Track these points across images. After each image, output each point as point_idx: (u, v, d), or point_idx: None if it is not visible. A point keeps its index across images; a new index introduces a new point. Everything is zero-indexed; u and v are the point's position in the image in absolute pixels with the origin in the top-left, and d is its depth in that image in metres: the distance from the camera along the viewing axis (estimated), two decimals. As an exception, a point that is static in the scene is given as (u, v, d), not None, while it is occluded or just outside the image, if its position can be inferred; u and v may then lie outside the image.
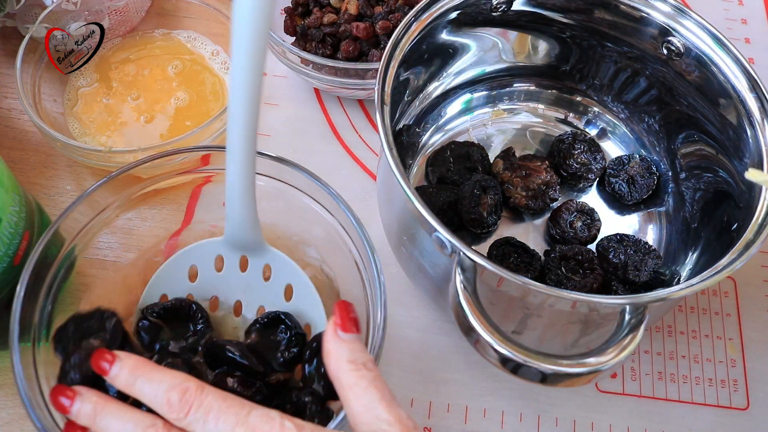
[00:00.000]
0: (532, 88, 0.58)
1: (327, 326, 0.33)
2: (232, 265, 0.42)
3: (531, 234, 0.53)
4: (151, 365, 0.33)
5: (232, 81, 0.32)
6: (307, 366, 0.39)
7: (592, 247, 0.51)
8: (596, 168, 0.53)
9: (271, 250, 0.42)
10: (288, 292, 0.42)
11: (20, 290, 0.38)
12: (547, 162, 0.53)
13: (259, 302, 0.43)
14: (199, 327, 0.41)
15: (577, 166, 0.53)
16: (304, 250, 0.45)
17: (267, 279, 0.42)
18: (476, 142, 0.55)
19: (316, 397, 0.37)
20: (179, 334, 0.41)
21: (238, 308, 0.43)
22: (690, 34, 0.47)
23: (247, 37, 0.30)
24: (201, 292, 0.43)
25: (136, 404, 0.33)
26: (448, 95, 0.56)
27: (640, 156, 0.53)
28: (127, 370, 0.33)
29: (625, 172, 0.53)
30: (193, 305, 0.41)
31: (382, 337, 0.38)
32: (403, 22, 0.45)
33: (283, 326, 0.41)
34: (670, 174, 0.53)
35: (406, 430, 0.29)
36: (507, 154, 0.54)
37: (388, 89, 0.43)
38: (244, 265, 0.42)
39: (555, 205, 0.53)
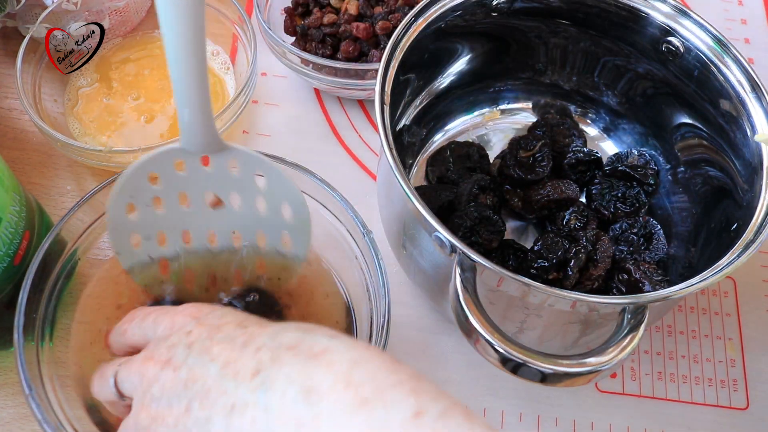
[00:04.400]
0: (532, 87, 0.58)
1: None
2: (194, 165, 0.39)
3: (531, 233, 0.53)
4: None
5: None
6: None
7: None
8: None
9: (231, 146, 0.38)
10: (259, 182, 0.40)
11: (24, 290, 0.38)
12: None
13: (232, 190, 0.40)
14: None
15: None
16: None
17: (233, 170, 0.39)
18: (476, 142, 0.56)
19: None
20: None
21: (215, 203, 0.41)
22: (690, 34, 0.47)
23: None
24: (168, 191, 0.40)
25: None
26: (448, 95, 0.56)
27: (638, 151, 0.54)
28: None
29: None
30: None
31: (386, 339, 0.38)
32: (403, 23, 0.45)
33: None
34: (669, 172, 0.53)
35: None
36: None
37: (388, 89, 0.43)
38: (206, 163, 0.39)
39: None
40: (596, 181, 0.52)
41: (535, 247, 0.47)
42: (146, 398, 0.32)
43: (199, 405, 0.29)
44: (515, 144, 0.53)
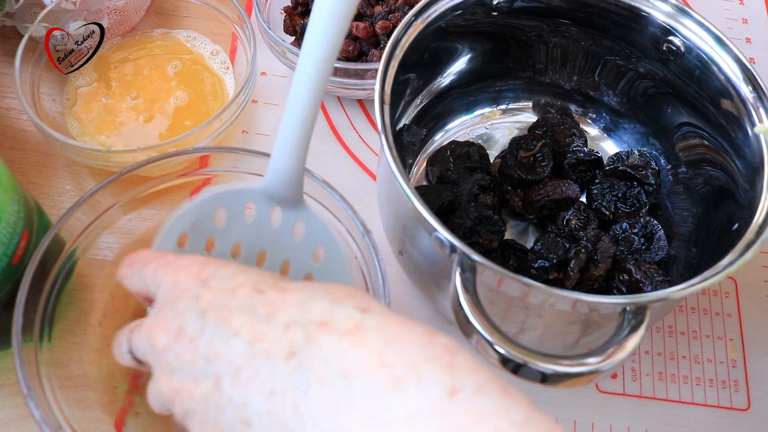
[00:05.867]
0: (533, 87, 0.58)
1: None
2: (263, 216, 0.39)
3: (531, 233, 0.53)
4: None
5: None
6: None
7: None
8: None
9: (307, 209, 0.39)
10: (317, 254, 0.40)
11: (23, 290, 0.38)
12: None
13: (284, 257, 0.41)
14: None
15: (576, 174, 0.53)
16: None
17: (298, 236, 0.40)
18: (476, 142, 0.55)
19: None
20: None
21: (261, 259, 0.41)
22: (691, 33, 0.47)
23: None
24: (225, 237, 0.40)
25: None
26: (448, 95, 0.56)
27: (639, 151, 0.53)
28: None
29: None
30: None
31: None
32: (403, 22, 0.45)
33: None
34: (670, 172, 0.53)
35: None
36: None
37: (388, 89, 0.43)
38: (275, 219, 0.40)
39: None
40: (597, 181, 0.52)
41: (536, 247, 0.47)
42: (163, 367, 0.31)
43: (230, 383, 0.28)
44: (515, 144, 0.53)
